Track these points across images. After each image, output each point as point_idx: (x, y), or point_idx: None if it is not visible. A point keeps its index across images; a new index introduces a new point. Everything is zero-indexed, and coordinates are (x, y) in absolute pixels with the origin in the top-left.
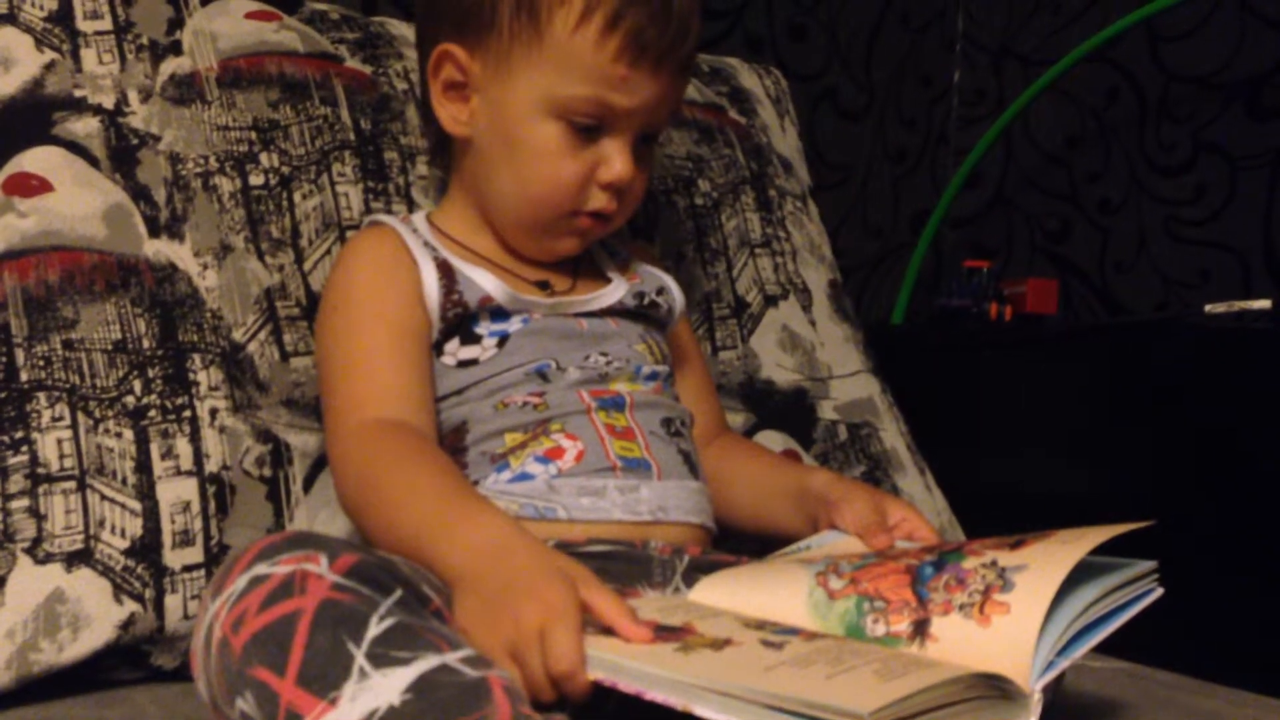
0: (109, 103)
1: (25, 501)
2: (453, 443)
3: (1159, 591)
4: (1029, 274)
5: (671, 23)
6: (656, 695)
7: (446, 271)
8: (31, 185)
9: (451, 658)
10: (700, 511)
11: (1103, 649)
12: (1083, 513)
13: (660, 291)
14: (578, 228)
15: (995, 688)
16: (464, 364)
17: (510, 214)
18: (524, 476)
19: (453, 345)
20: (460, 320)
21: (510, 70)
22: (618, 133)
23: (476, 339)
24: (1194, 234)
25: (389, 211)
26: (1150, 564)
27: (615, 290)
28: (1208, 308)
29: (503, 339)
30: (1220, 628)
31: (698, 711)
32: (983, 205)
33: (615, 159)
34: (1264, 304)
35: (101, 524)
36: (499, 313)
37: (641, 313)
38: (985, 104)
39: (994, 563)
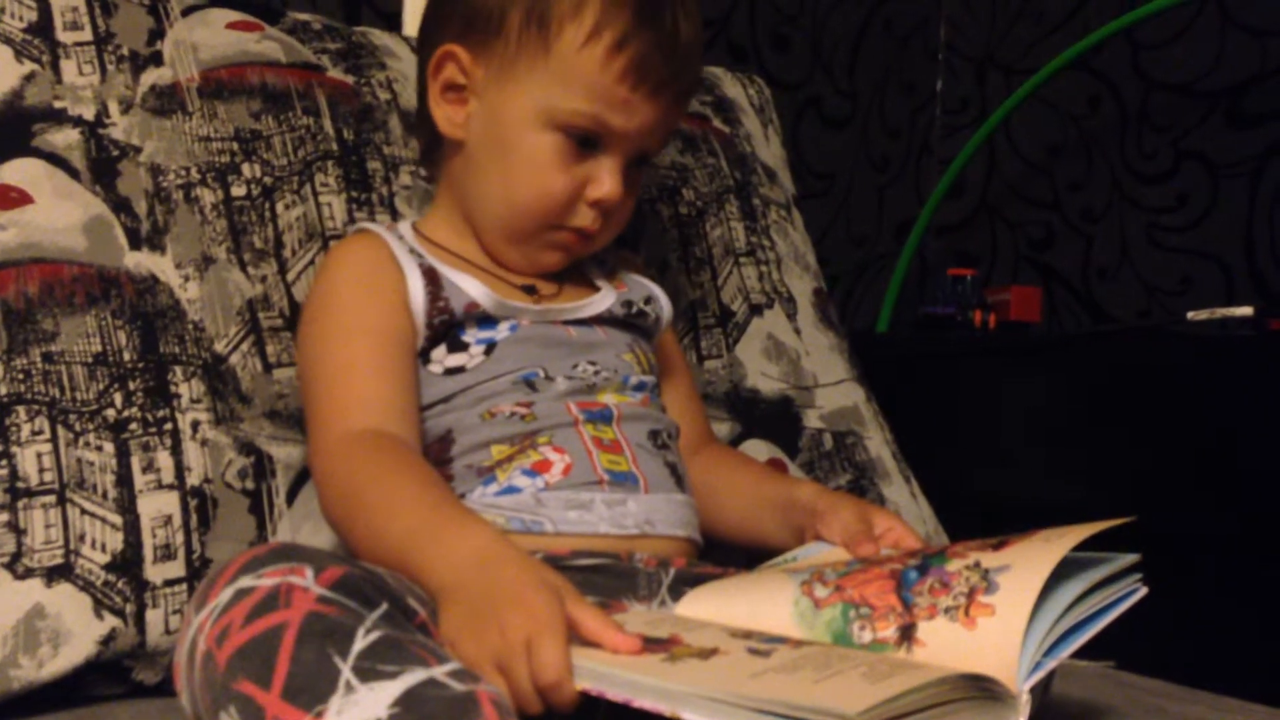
0: (89, 114)
1: (4, 516)
2: (438, 454)
3: (1143, 590)
4: (1013, 282)
5: (676, 54)
6: (644, 702)
7: (432, 278)
8: (11, 197)
9: (439, 671)
10: (686, 524)
11: (1090, 655)
12: (1068, 520)
13: (648, 300)
14: (559, 241)
15: (984, 689)
16: (451, 372)
17: (494, 220)
18: (511, 489)
19: (439, 353)
20: (447, 328)
21: (514, 78)
22: (611, 152)
23: (464, 346)
24: (1176, 241)
25: (372, 221)
26: (1133, 557)
27: (604, 299)
28: (1190, 315)
29: (490, 346)
30: (1207, 634)
31: (686, 717)
32: (966, 213)
33: (606, 178)
34: (1246, 311)
35: (82, 538)
36: (486, 320)
37: (629, 321)
38: (968, 113)
39: (977, 564)
